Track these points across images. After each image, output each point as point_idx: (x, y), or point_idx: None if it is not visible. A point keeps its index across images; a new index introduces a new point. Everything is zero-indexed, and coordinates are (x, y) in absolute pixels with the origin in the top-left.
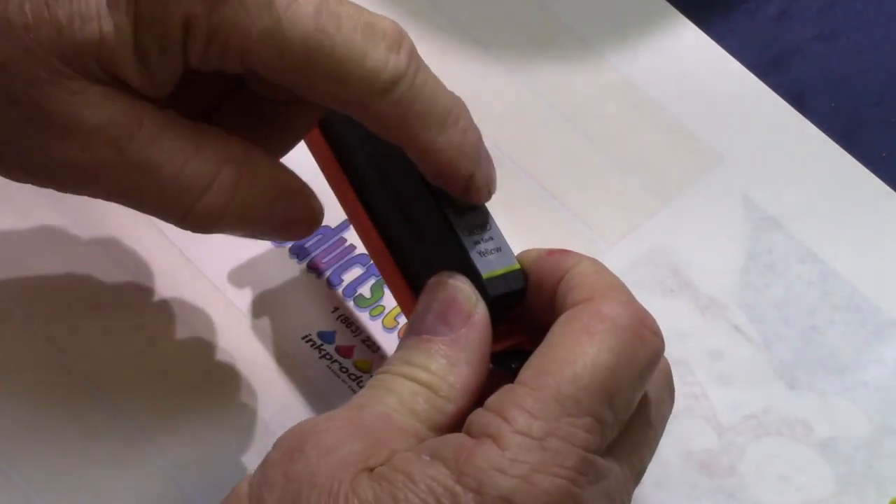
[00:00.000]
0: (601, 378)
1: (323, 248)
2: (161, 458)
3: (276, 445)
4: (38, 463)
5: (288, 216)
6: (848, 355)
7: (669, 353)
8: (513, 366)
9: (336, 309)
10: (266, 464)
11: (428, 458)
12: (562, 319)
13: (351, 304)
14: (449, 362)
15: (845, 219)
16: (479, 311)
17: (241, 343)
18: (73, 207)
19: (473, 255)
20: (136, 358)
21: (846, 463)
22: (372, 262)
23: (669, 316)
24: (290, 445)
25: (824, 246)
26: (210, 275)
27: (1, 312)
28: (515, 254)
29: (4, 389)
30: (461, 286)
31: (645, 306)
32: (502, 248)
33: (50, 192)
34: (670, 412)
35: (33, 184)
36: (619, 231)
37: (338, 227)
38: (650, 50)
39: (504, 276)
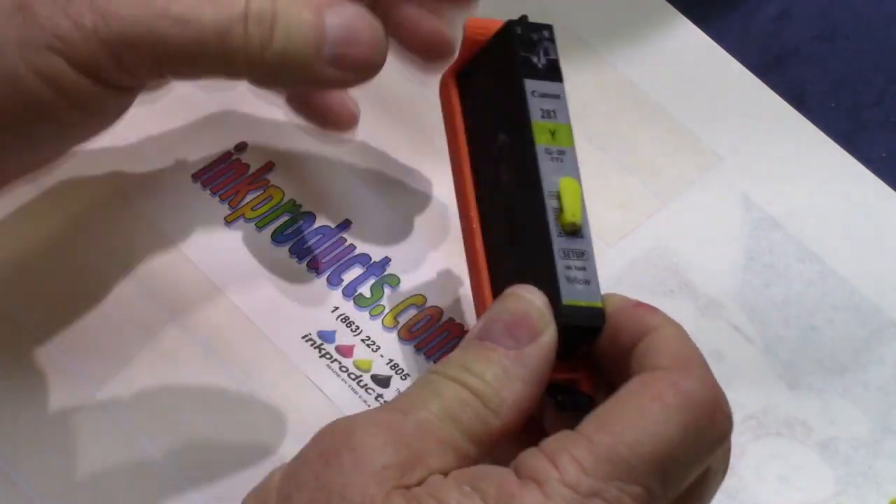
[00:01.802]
0: (661, 450)
1: (323, 247)
2: (161, 458)
3: (313, 442)
4: (38, 463)
5: (341, 27)
6: (848, 355)
7: None
8: (559, 398)
9: (336, 309)
10: (300, 460)
11: (468, 489)
12: (637, 380)
13: (351, 303)
14: (506, 375)
15: (845, 219)
16: (549, 334)
17: (242, 343)
18: (73, 207)
19: (561, 278)
20: (136, 358)
21: (846, 463)
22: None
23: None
24: (327, 447)
25: (824, 246)
26: (210, 274)
27: (1, 312)
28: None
29: (4, 389)
30: (537, 303)
31: None
32: (591, 282)
33: (51, 192)
34: (720, 485)
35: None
36: (619, 231)
37: (338, 226)
38: (650, 50)
39: (583, 309)
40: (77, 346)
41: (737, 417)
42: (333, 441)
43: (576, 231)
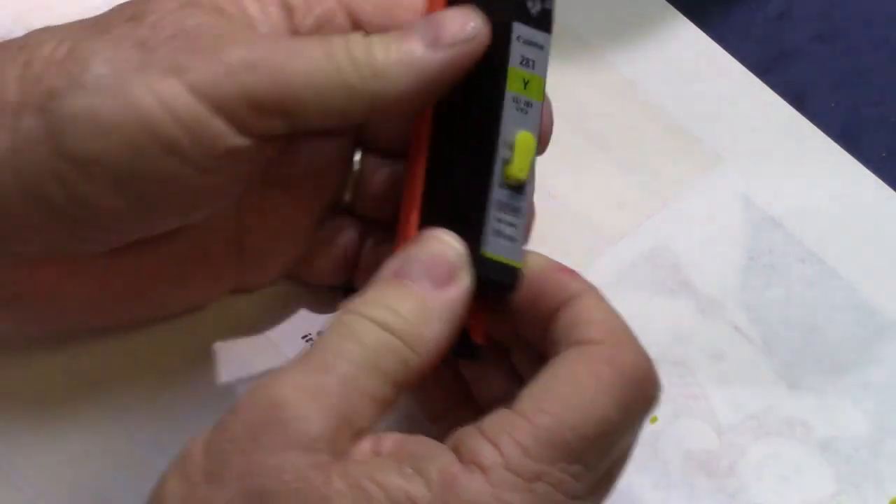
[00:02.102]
0: (601, 431)
1: None
2: (162, 459)
3: (236, 410)
4: (38, 463)
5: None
6: (848, 355)
7: (669, 353)
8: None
9: (336, 308)
10: (225, 434)
11: (409, 471)
12: (571, 355)
13: None
14: (425, 312)
15: (845, 219)
16: (465, 279)
17: (242, 343)
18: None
19: (489, 228)
20: (136, 358)
21: (846, 463)
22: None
23: (669, 316)
24: (253, 418)
25: (824, 246)
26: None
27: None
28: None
29: (4, 389)
30: (458, 249)
31: (645, 306)
32: (518, 241)
33: None
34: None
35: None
36: (619, 231)
37: None
38: (650, 50)
39: (501, 266)
40: (77, 346)
41: (737, 417)
42: (259, 413)
43: (518, 187)
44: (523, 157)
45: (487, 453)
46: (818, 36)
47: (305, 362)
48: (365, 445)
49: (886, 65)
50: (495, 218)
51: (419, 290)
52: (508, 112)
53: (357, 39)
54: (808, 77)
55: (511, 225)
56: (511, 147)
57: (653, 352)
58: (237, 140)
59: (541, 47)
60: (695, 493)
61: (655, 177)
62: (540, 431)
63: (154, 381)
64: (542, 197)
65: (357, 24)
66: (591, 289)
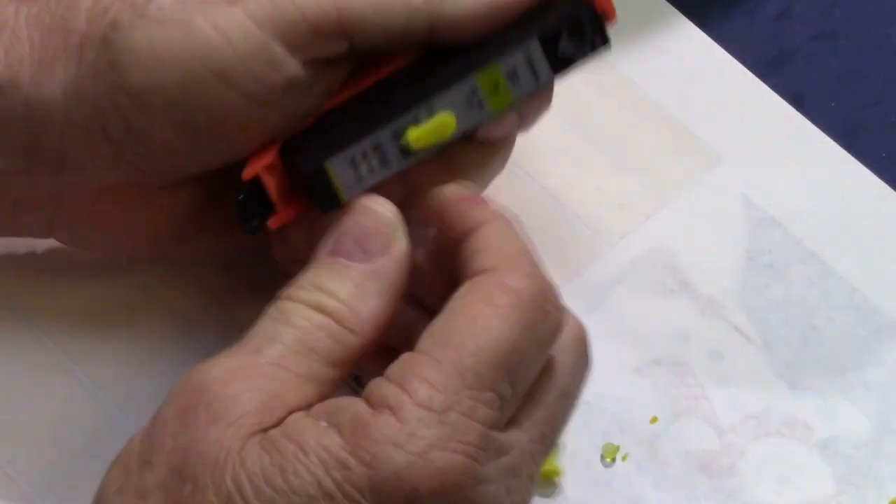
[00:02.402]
0: (503, 353)
1: None
2: None
3: (168, 399)
4: (38, 463)
5: None
6: (848, 355)
7: (669, 353)
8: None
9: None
10: (157, 421)
11: (324, 425)
12: (465, 288)
13: None
14: (360, 291)
15: (845, 219)
16: (400, 244)
17: None
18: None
19: (350, 153)
20: (136, 358)
21: (846, 463)
22: None
23: (669, 316)
24: (182, 403)
25: (824, 246)
26: (215, 275)
27: (1, 313)
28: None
29: (4, 389)
30: (387, 214)
31: (645, 306)
32: (362, 183)
33: None
34: (586, 378)
35: None
36: (619, 231)
37: None
38: (650, 50)
39: (329, 187)
40: (77, 346)
41: (737, 417)
42: (188, 398)
43: (404, 149)
44: (428, 131)
45: (394, 394)
46: (818, 36)
47: (237, 348)
48: (294, 416)
49: (886, 65)
50: (362, 151)
51: (354, 268)
52: (456, 91)
53: None
54: (808, 77)
55: (371, 171)
56: (429, 116)
57: (653, 352)
58: (296, 69)
59: (535, 77)
60: (695, 493)
61: (655, 177)
62: (442, 365)
63: (154, 382)
64: (542, 197)
65: None
66: (496, 216)
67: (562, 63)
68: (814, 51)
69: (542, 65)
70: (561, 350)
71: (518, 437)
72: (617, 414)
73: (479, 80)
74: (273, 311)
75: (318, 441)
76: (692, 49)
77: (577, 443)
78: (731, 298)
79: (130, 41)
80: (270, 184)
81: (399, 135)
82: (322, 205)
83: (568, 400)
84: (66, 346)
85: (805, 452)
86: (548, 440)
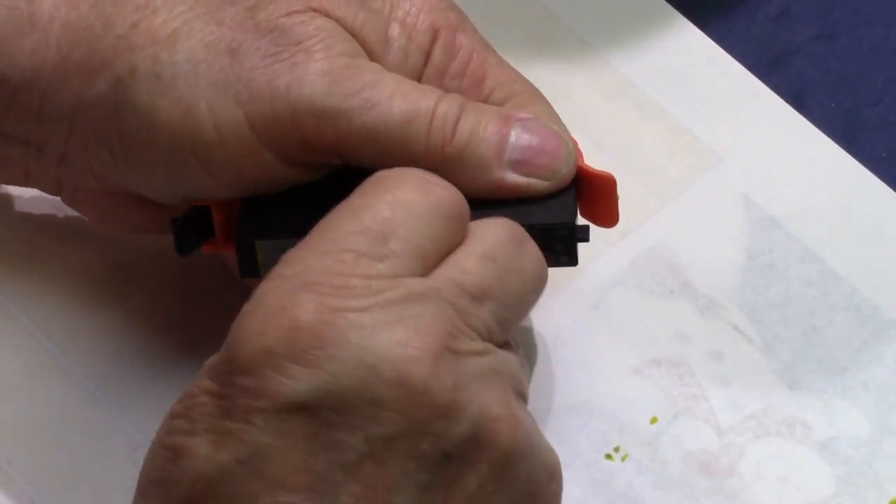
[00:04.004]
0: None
1: None
2: None
3: None
4: (38, 463)
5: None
6: (848, 355)
7: (669, 353)
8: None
9: None
10: None
11: None
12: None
13: None
14: None
15: (845, 219)
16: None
17: None
18: (72, 209)
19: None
20: (136, 358)
21: (846, 463)
22: None
23: (669, 316)
24: None
25: (824, 246)
26: (211, 274)
27: (1, 313)
28: None
29: (4, 389)
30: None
31: (645, 306)
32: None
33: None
34: (526, 255)
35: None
36: (619, 231)
37: None
38: (650, 50)
39: (251, 255)
40: (77, 346)
41: (737, 417)
42: None
43: None
44: None
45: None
46: (818, 36)
47: None
48: None
49: (886, 65)
50: (294, 246)
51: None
52: None
53: (446, 113)
54: (808, 77)
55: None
56: None
57: (653, 352)
58: (284, 171)
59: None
60: (695, 493)
61: (655, 177)
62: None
63: (154, 382)
64: None
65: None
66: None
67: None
68: (814, 51)
69: None
70: (481, 227)
71: (430, 283)
72: (617, 414)
73: None
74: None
75: None
76: (692, 49)
77: (577, 443)
78: (730, 298)
79: (137, 97)
80: (218, 217)
81: None
82: (242, 272)
83: (495, 264)
84: (65, 346)
85: (805, 452)
86: (476, 301)
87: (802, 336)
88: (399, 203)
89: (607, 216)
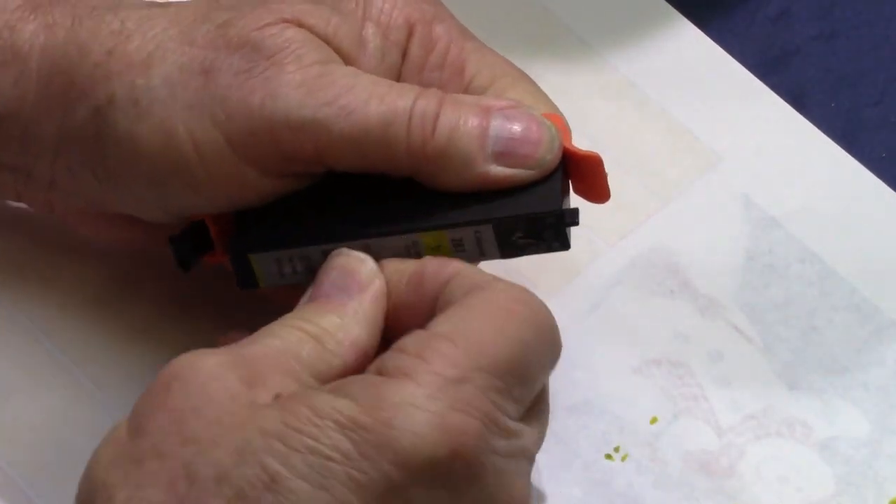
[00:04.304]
0: (519, 353)
1: None
2: None
3: (153, 382)
4: (38, 463)
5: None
6: (848, 355)
7: (669, 353)
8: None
9: None
10: (141, 400)
11: (335, 395)
12: (476, 297)
13: None
14: (340, 321)
15: (845, 219)
16: (377, 283)
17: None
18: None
19: (279, 255)
20: (137, 358)
21: (846, 463)
22: None
23: (669, 316)
24: (165, 377)
25: (824, 246)
26: (212, 276)
27: (1, 313)
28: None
29: (4, 390)
30: (363, 258)
31: (645, 306)
32: (282, 279)
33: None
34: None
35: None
36: (619, 231)
37: None
38: (650, 50)
39: (249, 271)
40: (77, 346)
41: (737, 417)
42: (171, 371)
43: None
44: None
45: (411, 363)
46: (818, 36)
47: (222, 349)
48: (304, 388)
49: (886, 65)
50: (290, 256)
51: (335, 302)
52: (398, 240)
53: (424, 111)
54: (808, 77)
55: (294, 273)
56: (364, 252)
57: (653, 352)
58: (267, 185)
59: (482, 254)
60: (695, 493)
61: (655, 177)
62: (459, 346)
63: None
64: None
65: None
66: (468, 265)
67: (512, 251)
68: (814, 51)
69: (491, 247)
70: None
71: (527, 430)
72: (617, 414)
73: (423, 238)
74: (260, 330)
75: (331, 405)
76: (692, 49)
77: (577, 443)
78: (730, 299)
79: (116, 126)
80: (215, 230)
81: (329, 254)
82: (240, 283)
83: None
84: (65, 346)
85: (805, 453)
86: (539, 444)
87: (802, 336)
88: (537, 343)
89: (598, 193)
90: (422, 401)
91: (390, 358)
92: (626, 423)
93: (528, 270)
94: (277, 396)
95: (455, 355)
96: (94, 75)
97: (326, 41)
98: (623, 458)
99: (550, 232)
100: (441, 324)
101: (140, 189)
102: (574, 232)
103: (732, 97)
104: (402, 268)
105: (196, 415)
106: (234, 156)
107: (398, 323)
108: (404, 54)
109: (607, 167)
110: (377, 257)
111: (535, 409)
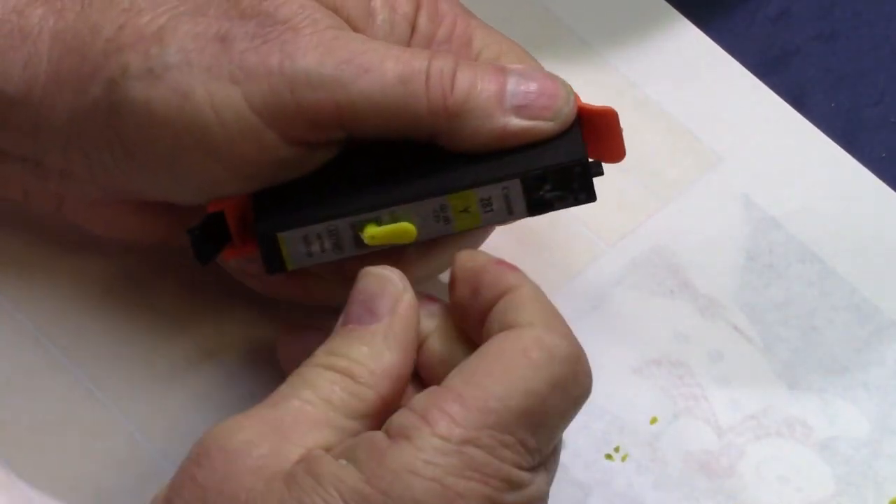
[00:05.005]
0: (530, 403)
1: None
2: (162, 459)
3: (189, 452)
4: (38, 463)
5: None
6: (848, 355)
7: (669, 353)
8: (195, 232)
9: None
10: (179, 469)
11: (344, 462)
12: (501, 336)
13: None
14: (370, 350)
15: (845, 219)
16: (406, 300)
17: (243, 344)
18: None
19: (307, 231)
20: (137, 358)
21: (846, 463)
22: None
23: (669, 316)
24: (198, 449)
25: (824, 246)
26: (212, 276)
27: (1, 313)
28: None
29: (4, 390)
30: (390, 276)
31: (645, 306)
32: (311, 258)
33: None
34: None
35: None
36: (619, 231)
37: None
38: (650, 50)
39: (278, 254)
40: (77, 346)
41: (737, 417)
42: (203, 445)
43: (357, 239)
44: (386, 233)
45: (413, 424)
46: (818, 36)
47: (258, 405)
48: (315, 451)
49: (886, 65)
50: (318, 232)
51: (363, 330)
52: (425, 204)
53: (441, 69)
54: (808, 77)
55: (323, 251)
56: (391, 219)
57: (653, 352)
58: (287, 151)
59: (510, 213)
60: (695, 493)
61: (655, 177)
62: (467, 401)
63: (155, 383)
64: None
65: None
66: (529, 282)
67: (539, 206)
68: (814, 51)
69: (519, 203)
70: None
71: (539, 485)
72: (617, 414)
73: (450, 200)
74: (290, 377)
75: (334, 473)
76: (692, 49)
77: (576, 443)
78: (730, 299)
79: (132, 93)
80: (233, 221)
81: (357, 226)
82: (268, 268)
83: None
84: (65, 346)
85: (805, 453)
86: (552, 476)
87: (802, 336)
88: (553, 385)
89: (614, 150)
90: (421, 467)
91: (398, 416)
92: (626, 423)
93: (529, 271)
94: (301, 459)
95: (461, 415)
96: (106, 50)
97: (335, 11)
98: (623, 458)
99: (577, 183)
100: (454, 376)
101: (158, 163)
102: (574, 232)
103: (732, 97)
104: (470, 265)
105: (218, 492)
106: (253, 116)
107: (461, 321)
108: (413, 28)
109: (606, 167)
110: (395, 220)
111: (552, 452)
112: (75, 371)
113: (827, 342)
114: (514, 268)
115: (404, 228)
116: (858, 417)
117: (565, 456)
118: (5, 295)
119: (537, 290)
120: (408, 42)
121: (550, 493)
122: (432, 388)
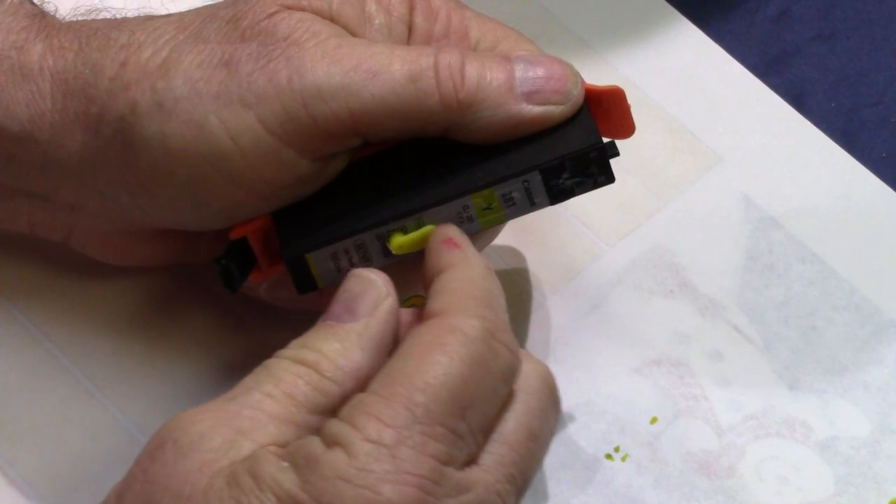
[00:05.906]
0: (452, 388)
1: None
2: None
3: (148, 441)
4: (38, 463)
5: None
6: (848, 355)
7: (669, 353)
8: (221, 262)
9: None
10: (135, 461)
11: (284, 465)
12: (414, 332)
13: None
14: (342, 346)
15: (845, 219)
16: (387, 304)
17: (243, 344)
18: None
19: (333, 249)
20: (137, 358)
21: (846, 463)
22: None
23: (669, 317)
24: (155, 442)
25: (824, 246)
26: (212, 276)
27: (1, 313)
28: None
29: (4, 390)
30: (375, 280)
31: (645, 306)
32: (339, 275)
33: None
34: (556, 422)
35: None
36: (619, 231)
37: None
38: (650, 50)
39: (308, 275)
40: (77, 346)
41: (737, 417)
42: (159, 436)
43: (384, 253)
44: (413, 240)
45: (344, 431)
46: (818, 36)
47: (219, 397)
48: (259, 451)
49: (886, 65)
50: (345, 248)
51: (339, 327)
52: (449, 207)
53: (449, 63)
54: (808, 77)
55: (351, 264)
56: (417, 226)
57: (653, 352)
58: (306, 167)
59: (533, 204)
60: (695, 493)
61: (655, 177)
62: (391, 401)
63: (155, 383)
64: None
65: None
66: (463, 261)
67: (561, 194)
68: (814, 51)
69: (541, 194)
70: (525, 392)
71: (481, 476)
72: (617, 414)
73: (473, 200)
74: (257, 369)
75: (273, 476)
76: (692, 49)
77: (577, 443)
78: (730, 299)
79: (145, 130)
80: (257, 245)
81: (384, 237)
82: (299, 289)
83: (537, 442)
84: (65, 346)
85: (805, 453)
86: (517, 482)
87: (802, 336)
88: (470, 365)
89: (624, 127)
90: (352, 474)
91: (329, 425)
92: (626, 423)
93: (529, 271)
94: (247, 457)
95: (388, 414)
96: (111, 90)
97: (332, 21)
98: (623, 458)
99: (596, 166)
100: (376, 380)
101: (176, 194)
102: (574, 232)
103: (732, 97)
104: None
105: (165, 486)
106: (270, 137)
107: None
108: (410, 28)
109: None
110: (420, 225)
111: (497, 436)
112: (75, 371)
113: (827, 342)
114: (455, 246)
115: (430, 232)
116: (858, 417)
117: (566, 456)
118: (5, 295)
119: (466, 270)
120: (406, 43)
121: (550, 494)
122: (358, 395)
